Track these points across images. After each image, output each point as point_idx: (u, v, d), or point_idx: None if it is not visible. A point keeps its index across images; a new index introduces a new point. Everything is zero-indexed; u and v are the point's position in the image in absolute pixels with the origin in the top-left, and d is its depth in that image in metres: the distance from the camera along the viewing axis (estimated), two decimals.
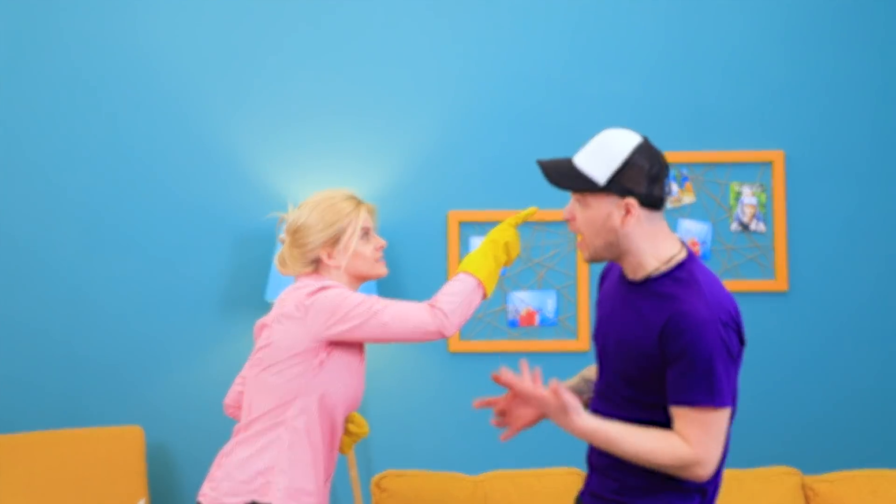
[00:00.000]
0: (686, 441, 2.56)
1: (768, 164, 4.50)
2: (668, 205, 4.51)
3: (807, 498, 4.11)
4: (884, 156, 4.54)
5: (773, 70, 4.57)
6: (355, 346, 3.07)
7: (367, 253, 3.10)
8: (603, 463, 2.70)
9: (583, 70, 4.59)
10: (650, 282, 2.65)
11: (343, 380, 3.03)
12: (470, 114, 4.58)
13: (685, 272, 2.63)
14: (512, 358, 4.50)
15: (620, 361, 2.66)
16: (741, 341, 2.62)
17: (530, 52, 4.59)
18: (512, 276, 4.51)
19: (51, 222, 4.54)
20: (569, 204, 2.73)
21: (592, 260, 2.72)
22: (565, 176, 2.66)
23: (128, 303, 4.51)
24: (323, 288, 3.00)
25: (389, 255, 4.52)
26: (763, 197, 4.51)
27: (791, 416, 4.47)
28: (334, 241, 3.08)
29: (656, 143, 4.54)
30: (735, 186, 4.52)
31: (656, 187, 2.64)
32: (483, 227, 4.51)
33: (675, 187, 4.53)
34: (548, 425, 4.46)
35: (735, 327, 2.59)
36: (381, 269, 3.13)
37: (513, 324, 4.49)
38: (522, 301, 4.50)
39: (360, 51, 4.60)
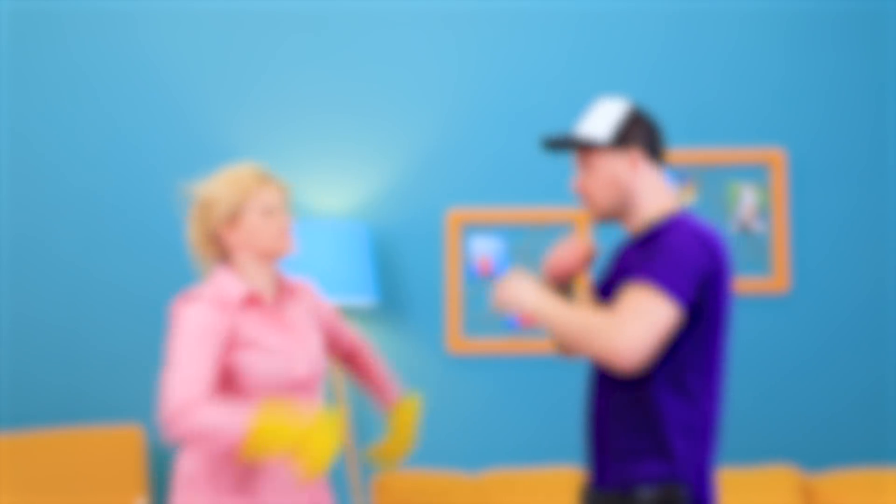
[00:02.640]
0: (615, 315, 2.56)
1: (769, 164, 4.50)
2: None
3: (806, 496, 4.11)
4: (887, 153, 4.54)
5: (773, 67, 4.57)
6: (246, 347, 2.90)
7: (268, 230, 2.95)
8: (605, 448, 2.70)
9: (582, 66, 4.59)
10: (649, 231, 2.73)
11: (255, 364, 2.89)
12: (469, 113, 4.58)
13: (678, 217, 2.72)
14: (512, 358, 4.50)
15: (613, 296, 2.70)
16: (721, 266, 2.64)
17: (529, 48, 4.59)
18: None
19: (52, 218, 4.54)
20: (576, 177, 2.80)
21: (601, 218, 2.79)
22: (568, 141, 2.75)
23: (128, 300, 4.52)
24: (184, 301, 2.87)
25: (388, 254, 4.52)
26: (763, 196, 4.51)
27: (792, 414, 4.47)
28: (234, 217, 2.96)
29: None
30: (735, 186, 4.52)
31: (655, 139, 2.77)
32: (483, 226, 4.52)
33: (674, 187, 4.53)
34: (548, 423, 4.47)
35: (710, 246, 2.63)
36: (285, 245, 2.96)
37: (513, 324, 4.49)
38: None
39: (359, 50, 4.60)
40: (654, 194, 2.76)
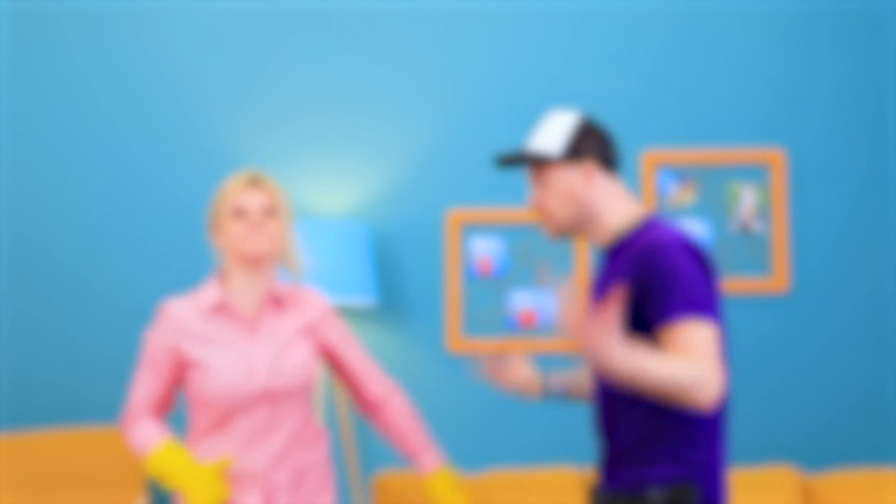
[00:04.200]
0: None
1: (769, 164, 4.50)
2: (668, 205, 4.51)
3: (806, 496, 4.11)
4: (887, 153, 4.54)
5: (773, 67, 4.57)
6: (211, 345, 3.01)
7: (234, 232, 2.98)
8: (618, 452, 2.70)
9: (582, 66, 4.59)
10: (620, 241, 2.71)
11: (203, 379, 2.98)
12: (469, 113, 4.58)
13: (650, 223, 2.71)
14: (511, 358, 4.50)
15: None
16: (710, 267, 2.65)
17: (529, 48, 4.59)
18: (512, 275, 4.51)
19: (52, 218, 4.54)
20: (531, 194, 2.77)
21: (559, 233, 2.76)
22: (519, 158, 2.73)
23: (130, 300, 4.52)
24: (157, 313, 3.08)
25: (388, 254, 4.52)
26: (763, 196, 4.51)
27: (792, 414, 4.47)
28: (215, 224, 3.04)
29: (656, 139, 4.54)
30: (735, 186, 4.52)
31: (608, 148, 2.74)
32: (483, 226, 4.51)
33: (674, 187, 4.53)
34: (548, 423, 4.47)
35: (698, 253, 2.63)
36: (248, 246, 2.97)
37: (512, 324, 4.49)
38: (522, 301, 4.50)
39: (359, 50, 4.60)
40: (615, 204, 2.74)
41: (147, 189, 4.56)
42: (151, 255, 4.54)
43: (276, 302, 3.04)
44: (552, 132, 2.75)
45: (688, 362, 2.51)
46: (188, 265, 4.53)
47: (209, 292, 3.03)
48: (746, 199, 4.51)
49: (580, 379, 3.00)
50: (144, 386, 3.04)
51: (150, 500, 4.43)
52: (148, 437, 3.00)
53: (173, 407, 3.12)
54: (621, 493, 2.66)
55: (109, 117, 4.58)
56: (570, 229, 2.75)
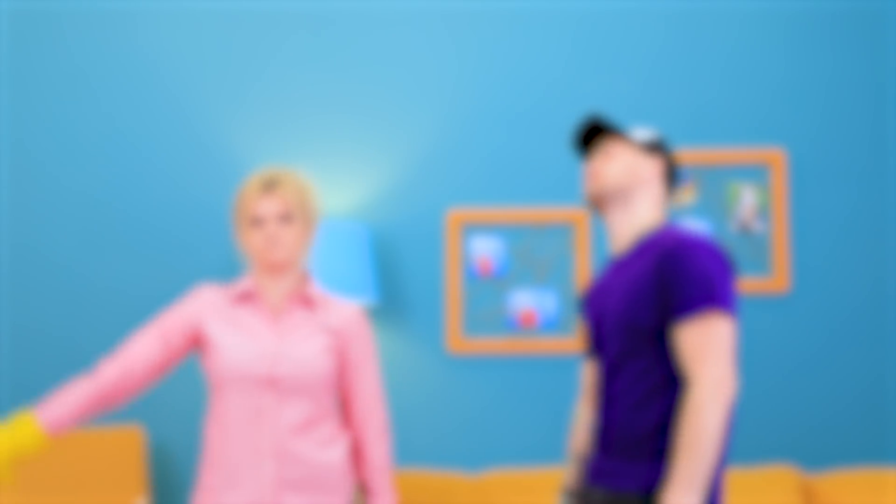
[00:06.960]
0: (691, 368, 2.59)
1: (769, 164, 4.51)
2: (668, 205, 4.52)
3: (806, 496, 4.11)
4: (887, 153, 4.54)
5: (773, 67, 4.57)
6: (222, 329, 3.06)
7: (253, 241, 3.04)
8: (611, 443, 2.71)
9: (583, 66, 4.59)
10: (641, 241, 2.79)
11: (214, 358, 3.02)
12: (469, 113, 4.58)
13: (669, 227, 2.81)
14: (512, 358, 4.50)
15: (623, 321, 2.71)
16: (732, 268, 2.72)
17: (529, 48, 4.60)
18: (512, 275, 4.51)
19: (52, 219, 4.55)
20: (591, 164, 2.90)
21: (598, 195, 2.86)
22: (609, 127, 2.88)
23: (130, 300, 4.52)
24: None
25: (388, 254, 4.52)
26: (763, 196, 4.51)
27: (792, 414, 4.47)
28: (237, 229, 3.09)
29: None
30: (735, 186, 4.52)
31: (675, 170, 2.93)
32: (483, 226, 4.52)
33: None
34: (548, 423, 4.47)
35: (721, 254, 2.70)
36: (267, 256, 3.02)
37: (512, 324, 4.49)
38: (522, 301, 4.50)
39: (359, 50, 4.60)
40: (653, 202, 2.88)
41: (147, 190, 4.56)
42: (152, 256, 4.54)
43: (305, 301, 3.08)
44: (637, 131, 2.93)
45: (691, 396, 2.56)
46: (189, 266, 4.53)
47: (242, 283, 3.09)
48: (746, 199, 4.51)
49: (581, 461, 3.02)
50: (140, 339, 3.04)
51: (151, 500, 4.44)
52: (58, 395, 2.99)
53: (150, 382, 3.08)
54: (629, 494, 2.66)
55: (109, 117, 4.59)
56: (610, 196, 2.86)
